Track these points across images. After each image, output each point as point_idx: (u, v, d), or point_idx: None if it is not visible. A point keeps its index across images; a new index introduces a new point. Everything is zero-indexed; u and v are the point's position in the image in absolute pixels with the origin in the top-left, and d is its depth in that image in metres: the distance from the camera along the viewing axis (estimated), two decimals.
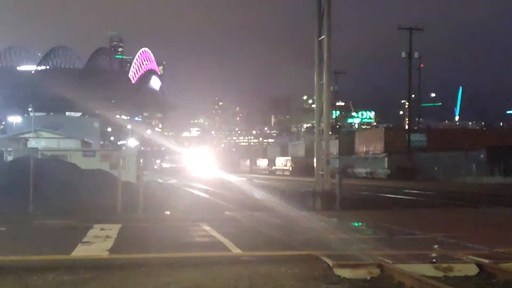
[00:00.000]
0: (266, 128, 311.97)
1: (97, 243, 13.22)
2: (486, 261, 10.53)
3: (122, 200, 20.50)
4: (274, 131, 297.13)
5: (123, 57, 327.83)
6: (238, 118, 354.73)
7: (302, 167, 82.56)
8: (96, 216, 18.91)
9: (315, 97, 26.51)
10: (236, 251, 12.20)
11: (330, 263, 10.34)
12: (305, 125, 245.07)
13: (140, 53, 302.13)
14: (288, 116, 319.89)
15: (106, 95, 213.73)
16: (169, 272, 9.97)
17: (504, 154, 62.38)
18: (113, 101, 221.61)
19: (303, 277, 9.75)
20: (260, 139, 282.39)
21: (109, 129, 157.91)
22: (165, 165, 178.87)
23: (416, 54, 76.68)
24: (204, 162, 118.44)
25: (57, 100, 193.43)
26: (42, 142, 62.66)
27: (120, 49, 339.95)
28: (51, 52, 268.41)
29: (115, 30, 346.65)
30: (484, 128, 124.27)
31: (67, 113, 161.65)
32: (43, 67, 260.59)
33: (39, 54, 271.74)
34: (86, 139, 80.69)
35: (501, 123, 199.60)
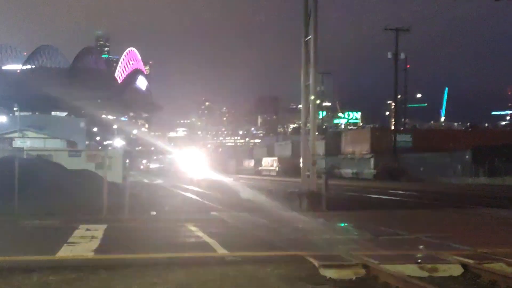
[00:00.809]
0: (252, 129, 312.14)
1: (82, 244, 13.17)
2: (470, 261, 10.59)
3: (107, 201, 20.43)
4: (261, 131, 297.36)
5: (110, 56, 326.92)
6: (224, 119, 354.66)
7: (288, 168, 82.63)
8: (82, 217, 18.85)
9: (301, 98, 26.55)
10: (222, 251, 12.21)
11: (316, 263, 10.36)
12: (291, 126, 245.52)
13: (127, 53, 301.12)
14: (274, 117, 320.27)
15: (92, 95, 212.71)
16: (155, 272, 9.96)
17: (489, 155, 62.69)
18: (99, 100, 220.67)
19: (288, 277, 9.77)
20: (247, 139, 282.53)
21: (95, 129, 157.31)
22: (152, 165, 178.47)
23: (402, 55, 77.01)
24: (190, 162, 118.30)
25: (43, 100, 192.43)
26: (27, 142, 62.44)
27: (106, 49, 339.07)
28: (37, 51, 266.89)
29: (102, 30, 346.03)
30: (470, 129, 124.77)
31: (52, 113, 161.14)
32: (28, 66, 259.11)
33: (25, 53, 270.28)
34: (72, 139, 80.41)
35: (486, 124, 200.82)
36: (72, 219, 18.19)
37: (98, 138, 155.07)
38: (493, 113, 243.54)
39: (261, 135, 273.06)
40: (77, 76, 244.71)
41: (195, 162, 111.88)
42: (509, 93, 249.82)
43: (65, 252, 12.00)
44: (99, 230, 15.61)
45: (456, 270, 10.25)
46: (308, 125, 25.82)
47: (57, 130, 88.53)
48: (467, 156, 67.89)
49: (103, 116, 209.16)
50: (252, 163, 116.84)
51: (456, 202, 29.10)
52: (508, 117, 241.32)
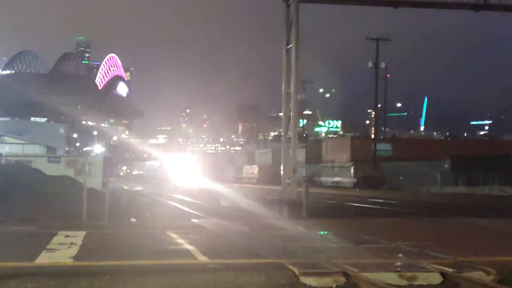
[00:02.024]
0: (233, 136, 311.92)
1: (61, 250, 13.08)
2: (450, 270, 10.64)
3: (87, 207, 20.30)
4: (241, 139, 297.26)
5: (90, 62, 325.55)
6: (205, 126, 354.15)
7: (269, 175, 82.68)
8: (61, 223, 18.71)
9: (282, 106, 26.62)
10: (202, 258, 12.18)
11: (296, 271, 10.37)
12: (272, 133, 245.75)
13: (108, 59, 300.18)
14: (255, 124, 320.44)
15: (72, 101, 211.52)
16: (135, 279, 9.91)
17: (468, 165, 63.15)
18: (79, 106, 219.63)
19: (269, 285, 9.77)
20: (228, 147, 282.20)
21: (75, 135, 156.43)
22: (133, 172, 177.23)
23: (382, 64, 77.49)
24: (170, 169, 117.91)
25: (22, 105, 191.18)
26: (6, 148, 61.90)
27: (87, 55, 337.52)
28: (16, 56, 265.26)
29: (83, 36, 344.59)
30: (449, 138, 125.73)
31: (32, 119, 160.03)
32: (7, 72, 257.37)
33: (4, 59, 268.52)
34: (51, 145, 79.85)
35: (465, 134, 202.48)
36: (51, 225, 18.06)
37: (78, 144, 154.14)
38: (472, 122, 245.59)
39: (242, 142, 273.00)
40: (57, 82, 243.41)
41: (175, 170, 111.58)
42: (488, 103, 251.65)
43: (43, 259, 11.90)
44: (78, 237, 15.51)
45: (435, 279, 10.30)
46: (288, 133, 25.90)
47: (36, 136, 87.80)
48: (446, 166, 68.35)
49: (83, 122, 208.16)
50: (232, 170, 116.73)
51: (435, 211, 29.29)
52: (486, 127, 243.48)
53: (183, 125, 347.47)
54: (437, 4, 30.85)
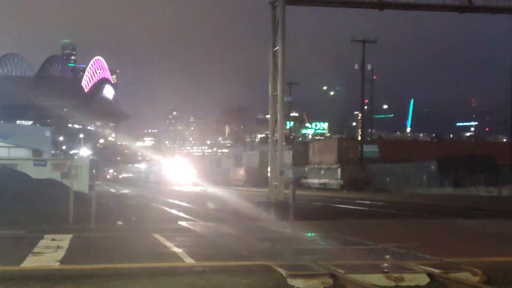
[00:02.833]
0: (220, 138, 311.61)
1: (48, 254, 13.01)
2: (436, 271, 10.68)
3: (74, 210, 20.23)
4: (228, 141, 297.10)
5: (76, 65, 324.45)
6: (192, 128, 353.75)
7: (256, 178, 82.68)
8: (47, 226, 18.62)
9: (269, 108, 26.64)
10: (189, 261, 12.15)
11: (284, 273, 10.37)
12: (259, 136, 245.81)
13: (94, 62, 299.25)
14: (242, 127, 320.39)
15: (58, 104, 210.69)
16: (122, 282, 9.87)
17: (454, 166, 63.49)
18: (65, 109, 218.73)
19: (256, 287, 9.77)
20: (214, 149, 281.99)
21: (61, 138, 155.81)
22: (119, 175, 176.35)
23: (369, 66, 77.77)
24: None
25: (7, 108, 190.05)
26: None
27: (72, 57, 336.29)
28: (2, 59, 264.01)
29: (69, 38, 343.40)
30: (435, 140, 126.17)
31: (17, 122, 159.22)
32: None
33: None
34: (37, 148, 79.40)
35: (451, 135, 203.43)
36: (38, 229, 17.96)
37: (64, 147, 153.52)
38: (457, 124, 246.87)
39: (229, 145, 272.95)
40: (43, 85, 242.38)
41: (162, 172, 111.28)
42: (473, 105, 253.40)
43: (30, 263, 11.83)
44: (64, 240, 15.44)
45: (422, 280, 10.33)
46: (275, 135, 25.92)
47: (22, 139, 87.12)
48: (432, 167, 68.68)
49: (70, 125, 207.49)
50: (219, 173, 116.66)
51: (422, 212, 29.40)
52: (472, 128, 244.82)
53: (170, 128, 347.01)
54: (422, 6, 30.98)
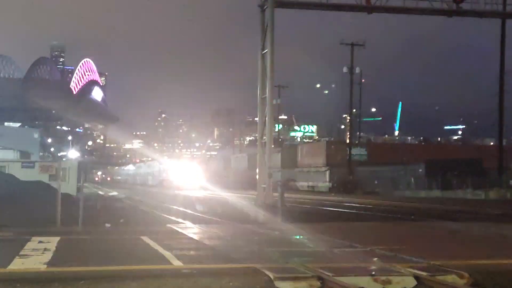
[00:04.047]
0: (209, 141, 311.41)
1: (35, 256, 12.97)
2: (423, 273, 10.72)
3: (61, 212, 20.16)
4: (217, 143, 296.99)
5: (65, 67, 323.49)
6: (181, 131, 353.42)
7: (245, 180, 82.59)
8: (35, 229, 18.55)
9: (258, 110, 26.67)
10: (177, 263, 12.14)
11: (271, 275, 10.38)
12: (248, 138, 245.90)
13: (82, 63, 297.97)
14: (231, 129, 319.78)
15: (47, 106, 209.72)
16: (109, 285, 9.86)
17: (442, 169, 63.71)
18: (53, 111, 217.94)
19: None
20: (203, 151, 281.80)
21: (50, 140, 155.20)
22: (108, 177, 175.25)
23: (357, 69, 77.89)
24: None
25: None
26: None
27: (61, 59, 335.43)
28: None
29: (57, 40, 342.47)
30: (423, 143, 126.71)
31: (5, 123, 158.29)
32: None
33: None
34: (25, 150, 79.08)
35: (439, 138, 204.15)
36: (25, 231, 17.89)
37: (52, 149, 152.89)
38: (445, 127, 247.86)
39: (218, 147, 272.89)
40: (31, 87, 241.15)
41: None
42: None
43: (16, 265, 11.79)
44: (52, 243, 15.39)
45: (409, 282, 10.37)
46: (264, 137, 25.95)
47: (10, 141, 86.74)
48: (420, 170, 68.86)
49: (58, 127, 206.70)
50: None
51: (409, 215, 29.49)
52: (460, 132, 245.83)
53: (159, 130, 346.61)
54: (410, 9, 31.13)
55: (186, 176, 79.02)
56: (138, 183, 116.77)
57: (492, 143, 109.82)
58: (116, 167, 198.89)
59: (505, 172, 59.71)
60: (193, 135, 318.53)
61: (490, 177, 61.12)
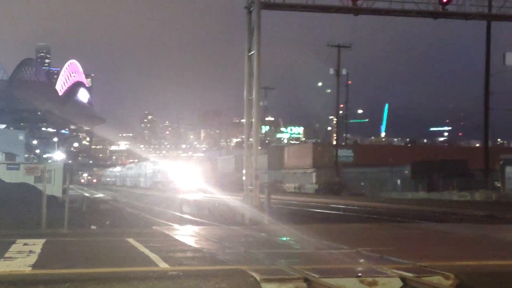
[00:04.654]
0: (195, 142, 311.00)
1: (20, 259, 12.88)
2: (409, 275, 10.74)
3: (47, 214, 20.05)
4: (204, 145, 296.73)
5: (50, 68, 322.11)
6: (167, 132, 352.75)
7: (231, 182, 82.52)
8: (20, 231, 18.45)
9: (244, 112, 26.65)
10: (164, 265, 12.10)
11: (258, 277, 10.37)
12: (234, 140, 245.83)
13: (68, 65, 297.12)
14: (217, 131, 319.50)
15: (32, 107, 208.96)
16: (95, 287, 9.80)
17: (428, 170, 63.98)
18: (39, 113, 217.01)
19: None
20: (190, 153, 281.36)
21: (35, 142, 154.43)
22: (95, 179, 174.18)
23: (344, 71, 78.05)
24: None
25: None
26: None
27: (47, 61, 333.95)
28: None
29: (43, 41, 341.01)
30: (409, 145, 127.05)
31: None
32: None
33: None
34: (10, 152, 78.67)
35: (425, 140, 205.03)
36: (10, 233, 17.78)
37: (38, 151, 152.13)
38: (431, 129, 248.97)
39: (204, 149, 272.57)
40: (16, 88, 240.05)
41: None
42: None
43: (1, 268, 11.70)
44: (37, 245, 15.30)
45: (395, 284, 10.39)
46: (250, 139, 25.93)
47: None
48: (406, 171, 69.14)
49: (44, 128, 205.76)
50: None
51: (395, 216, 29.56)
52: (445, 133, 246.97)
53: (145, 132, 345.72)
54: (396, 11, 31.21)
55: (185, 178, 77.00)
56: (129, 185, 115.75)
57: (477, 145, 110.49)
58: (105, 169, 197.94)
59: (490, 173, 59.99)
60: (180, 137, 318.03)
61: (476, 178, 61.42)
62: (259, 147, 26.68)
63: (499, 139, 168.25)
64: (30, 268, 11.61)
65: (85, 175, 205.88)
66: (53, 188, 31.47)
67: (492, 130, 68.94)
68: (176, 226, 22.46)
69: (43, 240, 16.26)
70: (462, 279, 10.67)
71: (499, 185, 57.51)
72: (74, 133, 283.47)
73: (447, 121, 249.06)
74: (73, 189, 63.79)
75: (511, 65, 52.23)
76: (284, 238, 18.11)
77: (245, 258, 13.29)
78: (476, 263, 12.46)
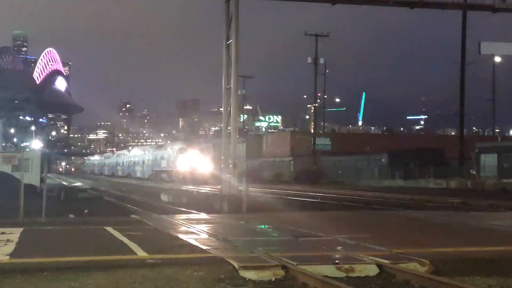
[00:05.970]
0: (174, 131, 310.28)
1: None
2: (386, 261, 10.89)
3: (24, 203, 19.98)
4: (182, 134, 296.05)
5: (28, 57, 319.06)
6: (146, 121, 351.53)
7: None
8: None
9: (223, 101, 26.66)
10: (142, 254, 12.15)
11: (236, 265, 10.45)
12: (213, 128, 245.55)
13: (46, 53, 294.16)
14: (196, 119, 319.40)
15: (9, 96, 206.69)
16: (73, 276, 9.83)
17: (404, 158, 64.48)
18: (16, 101, 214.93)
19: (208, 279, 9.83)
20: (168, 142, 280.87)
21: (12, 131, 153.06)
22: (74, 167, 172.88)
23: (321, 60, 78.18)
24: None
25: None
26: None
27: (24, 49, 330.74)
28: None
29: (20, 29, 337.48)
30: (386, 133, 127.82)
31: None
32: None
33: None
34: None
35: (402, 128, 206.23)
36: None
37: (15, 139, 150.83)
38: (408, 117, 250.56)
39: (183, 138, 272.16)
40: None
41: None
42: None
43: None
44: (15, 234, 15.26)
45: (372, 270, 10.52)
46: (229, 128, 25.97)
47: None
48: (383, 160, 69.65)
49: (21, 117, 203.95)
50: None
51: (372, 204, 29.82)
52: (422, 122, 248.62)
53: (123, 121, 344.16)
54: (373, 0, 31.30)
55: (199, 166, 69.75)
56: (107, 174, 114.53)
57: (453, 133, 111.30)
58: (83, 158, 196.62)
59: (466, 161, 60.61)
60: (158, 126, 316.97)
61: (452, 166, 62.06)
62: (237, 136, 26.72)
63: (474, 128, 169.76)
64: (8, 257, 11.59)
65: (63, 164, 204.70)
66: (31, 177, 31.28)
67: (467, 119, 69.61)
68: (153, 214, 22.47)
69: (21, 229, 16.22)
70: (438, 266, 10.84)
71: (474, 173, 58.17)
72: (52, 122, 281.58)
73: (423, 109, 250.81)
74: (51, 178, 63.42)
75: (486, 54, 52.69)
76: (262, 226, 18.22)
77: (224, 246, 13.37)
78: (451, 249, 12.64)
